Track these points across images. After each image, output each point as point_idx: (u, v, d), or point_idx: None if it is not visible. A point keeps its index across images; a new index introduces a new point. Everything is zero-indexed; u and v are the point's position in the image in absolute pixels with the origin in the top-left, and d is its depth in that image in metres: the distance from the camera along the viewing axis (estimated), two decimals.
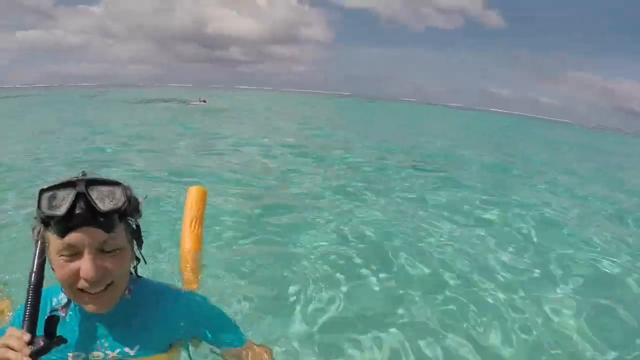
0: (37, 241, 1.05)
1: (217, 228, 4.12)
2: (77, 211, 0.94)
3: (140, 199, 1.10)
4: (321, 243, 3.98)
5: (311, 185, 6.51)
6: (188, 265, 1.91)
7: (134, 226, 1.10)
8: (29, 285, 1.05)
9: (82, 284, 0.98)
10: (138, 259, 1.19)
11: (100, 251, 0.98)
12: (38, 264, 1.06)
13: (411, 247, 4.06)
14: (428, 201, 5.86)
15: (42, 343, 0.97)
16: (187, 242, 1.95)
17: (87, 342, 1.11)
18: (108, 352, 1.11)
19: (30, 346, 0.95)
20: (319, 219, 4.70)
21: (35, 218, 1.02)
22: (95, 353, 1.11)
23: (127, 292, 1.14)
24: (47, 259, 1.05)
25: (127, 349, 1.12)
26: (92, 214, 0.95)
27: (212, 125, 16.77)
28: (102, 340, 1.12)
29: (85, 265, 0.95)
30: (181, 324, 1.18)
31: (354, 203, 5.54)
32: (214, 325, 1.22)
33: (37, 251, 1.05)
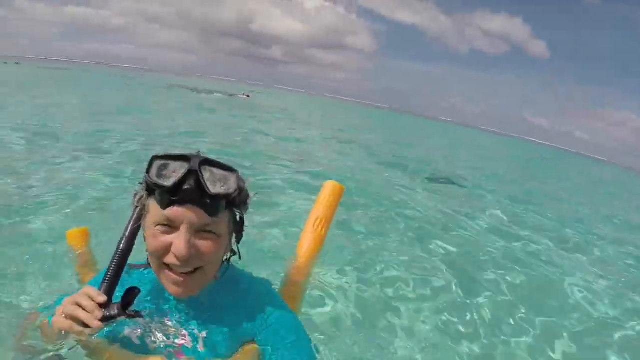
0: (136, 208, 1.02)
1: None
2: (186, 187, 0.91)
3: (251, 194, 1.07)
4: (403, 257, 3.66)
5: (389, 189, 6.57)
6: (297, 270, 1.61)
7: (238, 218, 1.07)
8: (117, 250, 1.02)
9: (170, 259, 0.95)
10: (234, 252, 1.15)
11: (198, 232, 0.95)
12: (131, 230, 1.03)
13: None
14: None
15: (116, 311, 0.93)
16: (305, 243, 1.67)
17: (154, 316, 1.06)
18: (173, 334, 1.06)
19: (103, 310, 0.92)
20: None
21: (141, 183, 1.01)
22: (158, 330, 1.06)
23: (214, 279, 1.09)
24: (142, 227, 1.03)
25: (193, 338, 1.05)
26: (200, 193, 0.92)
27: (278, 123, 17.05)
28: (172, 320, 1.07)
29: (179, 241, 0.92)
30: (257, 324, 1.10)
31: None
32: (290, 345, 1.07)
33: (133, 218, 1.03)
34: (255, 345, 1.08)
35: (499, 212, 6.26)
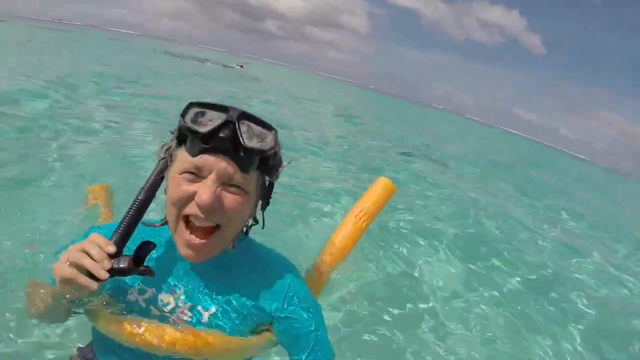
0: (162, 160, 0.99)
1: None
2: (221, 135, 0.87)
3: (284, 162, 1.01)
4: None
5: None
6: (328, 257, 1.59)
7: (267, 182, 1.02)
8: (134, 200, 0.97)
9: (192, 209, 0.90)
10: (256, 221, 1.08)
11: (225, 185, 0.90)
12: (153, 181, 0.99)
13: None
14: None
15: (125, 264, 0.87)
16: (343, 230, 1.65)
17: (161, 280, 1.00)
18: (180, 301, 1.00)
19: (112, 261, 0.86)
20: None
21: (172, 132, 0.98)
22: (164, 295, 1.00)
23: (231, 246, 1.03)
24: (165, 178, 0.99)
25: (199, 308, 0.99)
26: (234, 144, 0.88)
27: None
28: (179, 286, 1.01)
29: (203, 189, 0.87)
30: (274, 305, 1.04)
31: None
32: (306, 327, 1.04)
33: (156, 169, 1.00)
34: (270, 334, 1.05)
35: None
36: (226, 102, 0.89)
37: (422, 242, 4.02)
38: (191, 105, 0.91)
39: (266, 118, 0.91)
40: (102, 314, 0.96)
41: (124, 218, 0.96)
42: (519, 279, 3.81)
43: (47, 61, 11.37)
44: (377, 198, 1.72)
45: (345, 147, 8.62)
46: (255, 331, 1.05)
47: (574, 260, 5.02)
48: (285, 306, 1.05)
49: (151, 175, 1.00)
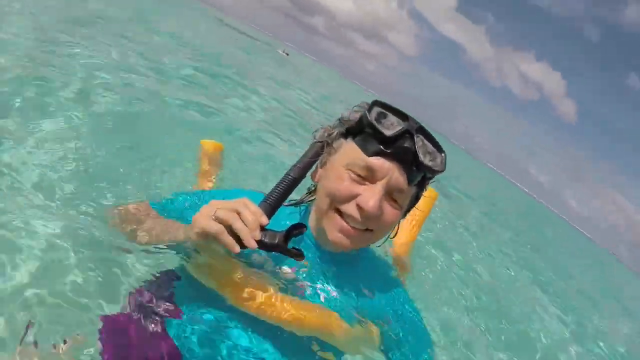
0: (321, 143, 1.00)
1: None
2: (403, 144, 0.87)
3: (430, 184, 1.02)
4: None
5: None
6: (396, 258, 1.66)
7: (417, 196, 1.02)
8: (285, 175, 0.97)
9: (350, 209, 0.91)
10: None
11: (388, 195, 0.92)
12: (306, 161, 0.99)
13: None
14: None
15: (276, 240, 0.84)
16: (401, 235, 1.69)
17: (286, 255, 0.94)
18: (301, 277, 1.00)
19: (261, 232, 0.83)
20: None
21: (340, 119, 0.98)
22: (285, 267, 1.00)
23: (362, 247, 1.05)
24: (319, 162, 1.00)
25: (318, 289, 0.99)
26: (413, 157, 0.88)
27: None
28: (303, 264, 1.00)
29: (372, 196, 0.88)
30: (388, 307, 1.05)
31: None
32: (416, 332, 1.05)
33: (312, 151, 1.01)
34: (378, 329, 1.03)
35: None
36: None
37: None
38: (375, 103, 0.93)
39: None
40: (216, 271, 0.92)
41: (272, 192, 0.94)
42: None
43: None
44: (424, 204, 1.71)
45: None
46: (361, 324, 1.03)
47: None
48: (397, 309, 1.05)
49: (304, 155, 1.01)
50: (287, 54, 35.41)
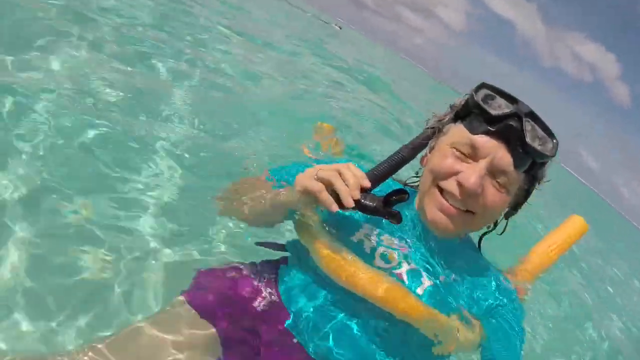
0: (432, 129, 1.01)
1: None
2: (508, 122, 0.86)
3: (547, 178, 1.00)
4: None
5: None
6: (523, 272, 1.59)
7: (528, 188, 0.99)
8: (397, 152, 0.99)
9: (450, 185, 0.90)
10: (495, 223, 1.05)
11: (492, 175, 0.89)
12: (416, 143, 1.01)
13: None
14: None
15: (374, 203, 0.84)
16: (534, 256, 1.66)
17: (391, 234, 0.99)
18: (404, 262, 0.96)
19: (361, 193, 0.84)
20: None
21: (451, 106, 1.00)
22: (389, 250, 0.97)
23: (464, 235, 1.04)
24: (429, 146, 1.01)
25: (422, 277, 0.95)
26: (518, 137, 0.86)
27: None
28: (407, 248, 0.99)
29: (472, 171, 0.87)
30: (489, 301, 1.00)
31: None
32: (515, 327, 1.00)
33: (422, 135, 1.02)
34: (480, 323, 0.98)
35: None
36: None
37: None
38: (483, 85, 0.93)
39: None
40: (317, 235, 0.93)
41: (382, 163, 0.97)
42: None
43: None
44: (570, 234, 1.73)
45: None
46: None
47: None
48: (498, 303, 1.01)
49: (416, 138, 1.03)
50: (340, 27, 35.22)
